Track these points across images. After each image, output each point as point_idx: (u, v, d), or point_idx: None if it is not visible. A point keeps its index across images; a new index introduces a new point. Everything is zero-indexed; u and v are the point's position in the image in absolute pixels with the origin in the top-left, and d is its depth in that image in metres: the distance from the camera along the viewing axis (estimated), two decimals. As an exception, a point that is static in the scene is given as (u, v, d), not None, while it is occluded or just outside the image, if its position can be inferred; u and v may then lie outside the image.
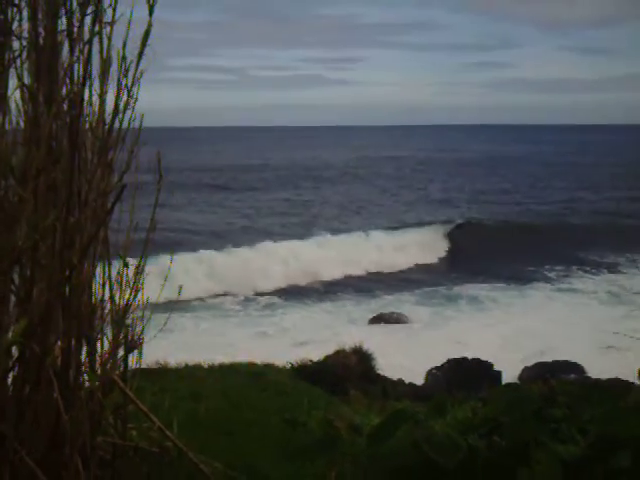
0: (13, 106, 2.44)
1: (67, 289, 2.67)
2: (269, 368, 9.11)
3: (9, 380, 2.67)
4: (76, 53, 2.48)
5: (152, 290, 3.22)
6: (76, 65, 2.50)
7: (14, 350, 2.64)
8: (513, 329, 20.09)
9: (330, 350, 11.52)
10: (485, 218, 39.60)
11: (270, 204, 45.86)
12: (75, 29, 2.44)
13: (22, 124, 2.44)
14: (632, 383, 5.02)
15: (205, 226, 36.29)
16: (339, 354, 11.06)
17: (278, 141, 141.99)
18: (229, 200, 47.57)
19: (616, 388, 4.83)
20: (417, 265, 29.99)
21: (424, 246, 31.71)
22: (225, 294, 23.90)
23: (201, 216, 39.95)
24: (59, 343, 2.76)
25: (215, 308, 22.38)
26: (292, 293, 24.86)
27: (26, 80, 2.40)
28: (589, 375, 15.84)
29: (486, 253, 31.37)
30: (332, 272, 27.46)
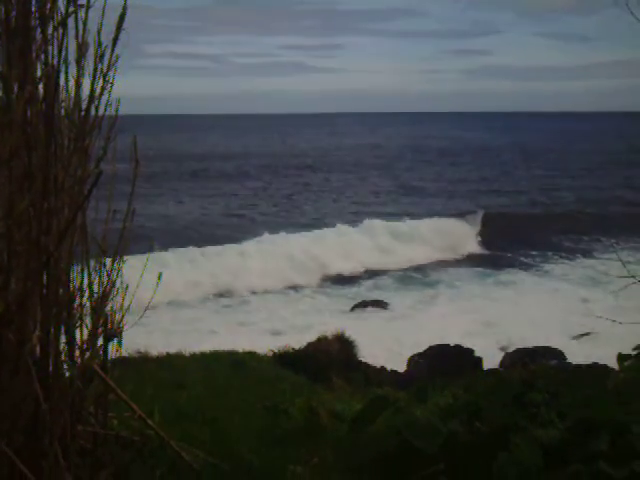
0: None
1: (45, 277, 2.64)
2: (251, 356, 9.11)
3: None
4: (50, 35, 2.44)
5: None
6: (50, 48, 2.47)
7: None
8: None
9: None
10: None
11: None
12: (48, 11, 2.40)
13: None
14: (611, 369, 5.07)
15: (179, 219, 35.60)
16: (321, 341, 11.07)
17: (260, 129, 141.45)
18: (207, 189, 46.97)
19: (595, 373, 4.87)
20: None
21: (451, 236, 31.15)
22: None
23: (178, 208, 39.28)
24: (37, 332, 2.73)
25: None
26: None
27: (-1, 64, 2.36)
28: (569, 361, 15.99)
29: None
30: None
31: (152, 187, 41.93)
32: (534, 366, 4.93)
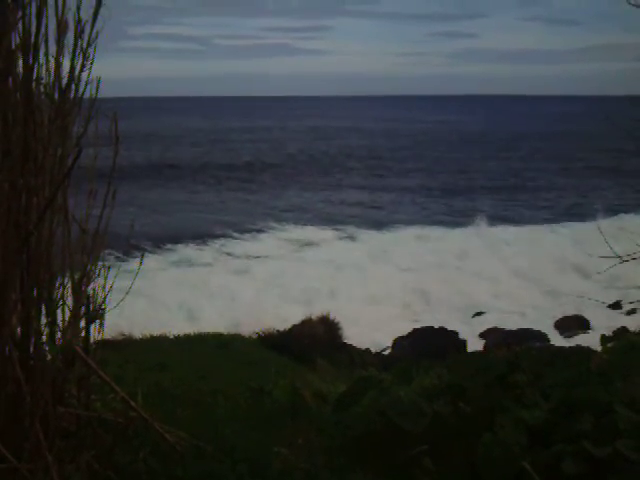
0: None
1: (25, 257, 2.60)
2: (236, 338, 9.10)
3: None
4: (27, 10, 2.38)
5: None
6: (28, 22, 2.41)
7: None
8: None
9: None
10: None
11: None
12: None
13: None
14: (594, 350, 5.12)
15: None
16: (306, 324, 11.09)
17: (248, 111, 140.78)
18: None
19: (578, 355, 4.90)
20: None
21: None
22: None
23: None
24: (17, 312, 2.69)
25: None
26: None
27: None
28: (553, 343, 16.13)
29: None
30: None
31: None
32: (518, 348, 4.94)
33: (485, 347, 16.50)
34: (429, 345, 15.82)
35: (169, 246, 25.96)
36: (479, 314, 20.07)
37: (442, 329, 16.84)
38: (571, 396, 3.83)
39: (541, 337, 17.54)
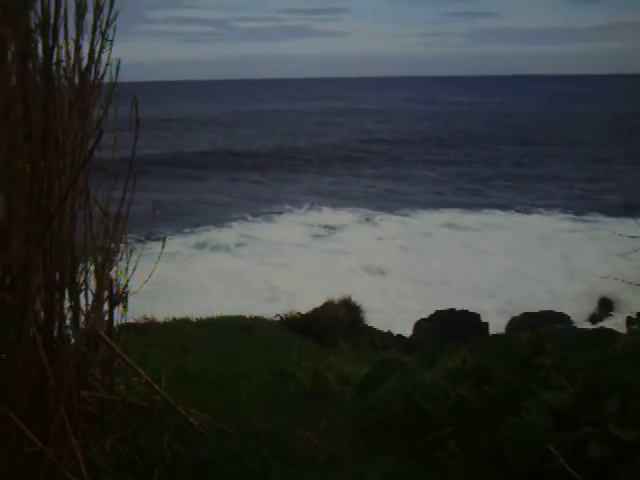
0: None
1: (47, 241, 2.60)
2: (258, 321, 9.10)
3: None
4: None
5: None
6: (47, 2, 2.39)
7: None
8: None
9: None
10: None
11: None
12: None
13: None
14: (617, 332, 5.05)
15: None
16: (327, 306, 11.06)
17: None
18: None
19: (603, 336, 4.84)
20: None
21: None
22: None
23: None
24: (41, 296, 2.70)
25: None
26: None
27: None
28: (575, 325, 16.00)
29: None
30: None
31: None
32: (542, 329, 4.89)
33: (507, 329, 16.42)
34: (451, 327, 15.77)
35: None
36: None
37: (464, 311, 16.77)
38: (597, 379, 3.78)
39: (564, 319, 17.41)
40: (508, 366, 3.91)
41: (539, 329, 5.80)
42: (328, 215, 30.66)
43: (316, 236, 27.20)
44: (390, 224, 29.16)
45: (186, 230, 26.32)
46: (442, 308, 16.95)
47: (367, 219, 30.22)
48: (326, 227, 28.39)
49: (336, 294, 12.27)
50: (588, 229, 27.77)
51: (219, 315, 9.14)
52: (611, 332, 5.20)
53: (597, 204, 32.75)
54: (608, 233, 26.34)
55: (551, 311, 17.66)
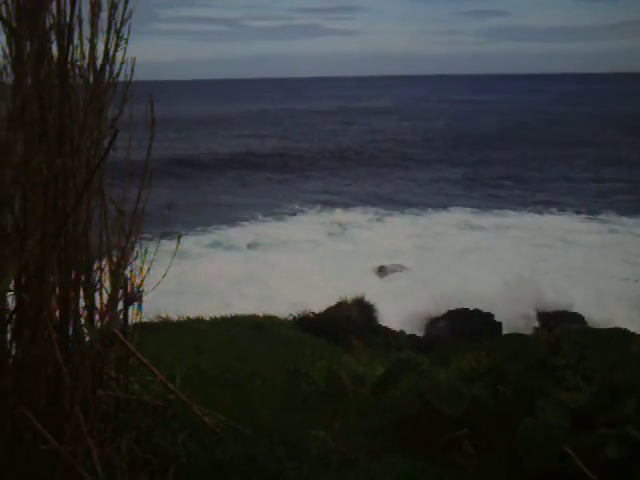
0: (-1, 49, 2.34)
1: (62, 239, 2.60)
2: (271, 320, 9.12)
3: (7, 334, 2.62)
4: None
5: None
6: (62, 2, 2.39)
7: (11, 303, 2.59)
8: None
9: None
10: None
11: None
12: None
13: (9, 68, 2.34)
14: (632, 333, 5.00)
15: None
16: (340, 306, 11.07)
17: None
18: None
19: (619, 337, 4.81)
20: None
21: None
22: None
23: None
24: (56, 295, 2.70)
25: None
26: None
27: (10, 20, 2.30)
28: (590, 325, 15.90)
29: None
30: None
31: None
32: (558, 329, 4.86)
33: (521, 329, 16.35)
34: (464, 327, 15.73)
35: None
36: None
37: (477, 311, 16.71)
38: (613, 379, 3.75)
39: (577, 319, 17.30)
40: (524, 366, 3.89)
41: (555, 329, 5.77)
42: (340, 215, 30.69)
43: (329, 235, 27.23)
44: (402, 224, 29.14)
45: (198, 229, 26.40)
46: (455, 307, 16.91)
47: (379, 219, 30.23)
48: (338, 226, 28.41)
49: (349, 294, 12.27)
50: (606, 231, 27.60)
51: (233, 314, 9.16)
52: (627, 332, 5.16)
53: (612, 204, 32.57)
54: (628, 234, 26.15)
55: (565, 311, 17.56)
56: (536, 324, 16.02)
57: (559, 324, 14.33)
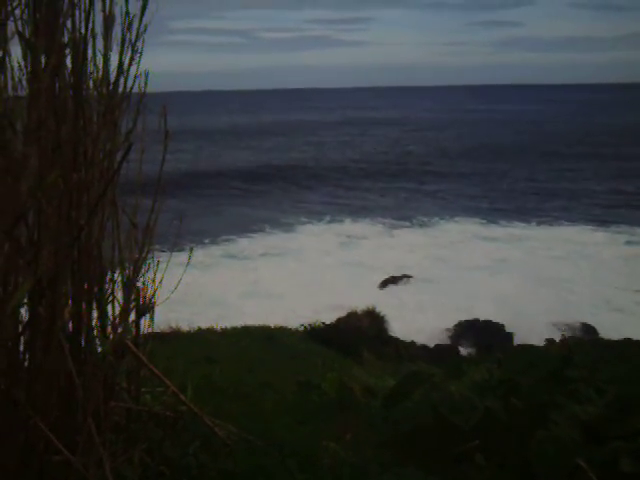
0: (15, 63, 2.36)
1: (76, 251, 2.61)
2: (282, 331, 9.12)
3: (20, 346, 2.64)
4: (76, 3, 2.39)
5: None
6: (77, 17, 2.42)
7: (25, 315, 2.60)
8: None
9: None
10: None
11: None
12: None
13: (24, 82, 2.37)
14: (644, 344, 4.98)
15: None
16: (351, 317, 11.05)
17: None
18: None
19: (632, 348, 4.78)
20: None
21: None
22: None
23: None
24: (69, 307, 2.71)
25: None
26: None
27: (25, 34, 2.32)
28: (601, 336, 15.82)
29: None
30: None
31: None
32: (571, 341, 4.83)
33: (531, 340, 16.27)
34: (475, 337, 15.68)
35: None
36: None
37: (488, 321, 16.66)
38: (627, 392, 3.72)
39: (589, 330, 17.21)
40: (536, 378, 3.87)
41: (567, 340, 5.77)
42: (349, 226, 30.74)
43: (339, 245, 27.24)
44: (410, 235, 29.15)
45: (206, 241, 26.46)
46: (466, 318, 16.86)
47: (388, 230, 30.26)
48: (348, 237, 28.46)
49: (360, 304, 12.24)
50: (621, 242, 27.43)
51: (243, 324, 9.17)
52: (638, 344, 5.13)
53: (623, 216, 32.39)
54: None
55: (578, 322, 17.48)
56: (548, 335, 15.93)
57: (571, 335, 14.27)
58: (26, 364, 2.64)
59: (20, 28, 2.27)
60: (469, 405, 3.63)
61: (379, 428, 3.98)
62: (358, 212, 33.92)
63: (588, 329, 17.01)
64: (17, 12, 2.21)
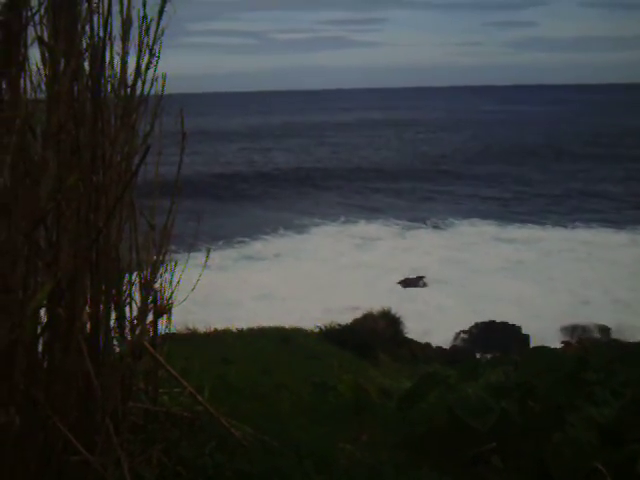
0: (34, 67, 2.39)
1: (94, 253, 2.64)
2: (298, 332, 9.13)
3: (39, 346, 2.66)
4: (95, 9, 2.41)
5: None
6: (95, 21, 2.44)
7: (43, 316, 2.63)
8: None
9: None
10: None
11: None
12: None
13: (43, 86, 2.39)
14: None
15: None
16: (367, 318, 11.05)
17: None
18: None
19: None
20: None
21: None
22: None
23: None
24: (88, 308, 2.74)
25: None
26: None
27: (45, 39, 2.35)
28: (618, 338, 15.70)
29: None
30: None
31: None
32: (588, 343, 4.81)
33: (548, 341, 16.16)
34: (491, 339, 15.61)
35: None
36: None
37: (504, 323, 16.58)
38: (643, 394, 3.70)
39: (604, 331, 17.08)
40: (552, 381, 3.85)
41: (583, 342, 5.74)
42: (363, 227, 30.71)
43: (354, 246, 27.23)
44: (425, 237, 29.08)
45: (220, 242, 26.52)
46: (482, 320, 16.80)
47: (402, 232, 30.21)
48: (362, 238, 28.44)
49: (375, 306, 12.23)
50: (639, 244, 27.21)
51: (259, 326, 9.19)
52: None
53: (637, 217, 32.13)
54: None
55: (595, 324, 17.36)
56: (565, 337, 15.84)
57: (588, 337, 14.18)
58: (45, 365, 2.66)
59: (39, 32, 2.31)
60: (485, 407, 3.63)
61: (395, 430, 3.98)
62: (372, 213, 33.90)
63: (605, 331, 16.91)
64: (36, 17, 2.24)
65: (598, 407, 3.68)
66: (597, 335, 16.31)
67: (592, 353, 4.20)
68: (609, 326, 17.13)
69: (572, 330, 16.59)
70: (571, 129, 71.22)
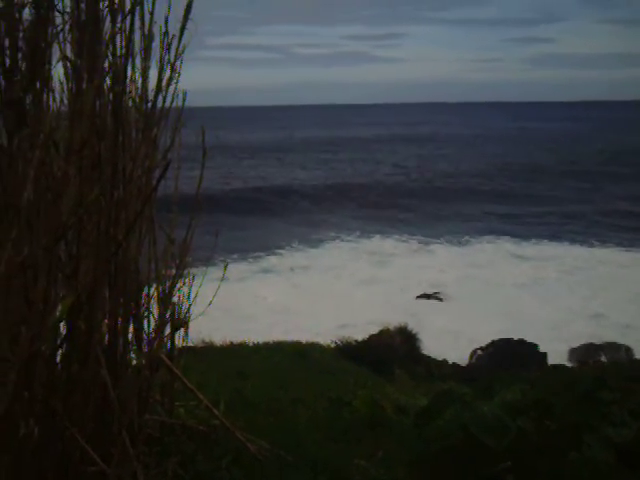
0: (57, 83, 2.43)
1: (113, 267, 2.67)
2: (314, 347, 9.12)
3: (58, 358, 2.69)
4: (118, 25, 2.46)
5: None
6: (118, 39, 2.49)
7: (62, 328, 2.66)
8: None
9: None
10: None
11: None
12: (117, 1, 2.42)
13: (65, 100, 2.43)
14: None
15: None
16: (383, 334, 11.02)
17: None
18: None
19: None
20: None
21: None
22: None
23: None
24: (106, 321, 2.77)
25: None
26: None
27: (69, 55, 2.39)
28: (637, 357, 15.54)
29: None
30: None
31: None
32: (606, 362, 4.78)
33: (567, 360, 16.02)
34: (508, 357, 15.49)
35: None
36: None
37: (521, 341, 16.46)
38: (663, 415, 3.67)
39: (625, 351, 16.91)
40: (569, 399, 3.83)
41: (601, 361, 5.71)
42: (379, 242, 30.68)
43: (369, 261, 27.20)
44: (441, 252, 28.98)
45: (235, 256, 26.56)
46: (499, 337, 16.68)
47: (418, 247, 30.15)
48: (378, 254, 28.41)
49: (391, 321, 12.21)
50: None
51: (274, 340, 9.20)
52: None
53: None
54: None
55: (614, 342, 17.20)
56: (582, 355, 15.70)
57: (605, 356, 14.05)
58: (64, 376, 2.69)
59: (64, 50, 2.35)
60: (501, 425, 3.60)
61: (410, 446, 3.96)
62: (387, 228, 33.86)
63: (624, 350, 16.75)
64: (61, 35, 2.28)
65: (615, 427, 3.65)
66: (618, 354, 16.16)
67: (609, 372, 4.17)
68: (628, 345, 16.98)
69: (591, 349, 16.44)
70: (588, 146, 70.90)
